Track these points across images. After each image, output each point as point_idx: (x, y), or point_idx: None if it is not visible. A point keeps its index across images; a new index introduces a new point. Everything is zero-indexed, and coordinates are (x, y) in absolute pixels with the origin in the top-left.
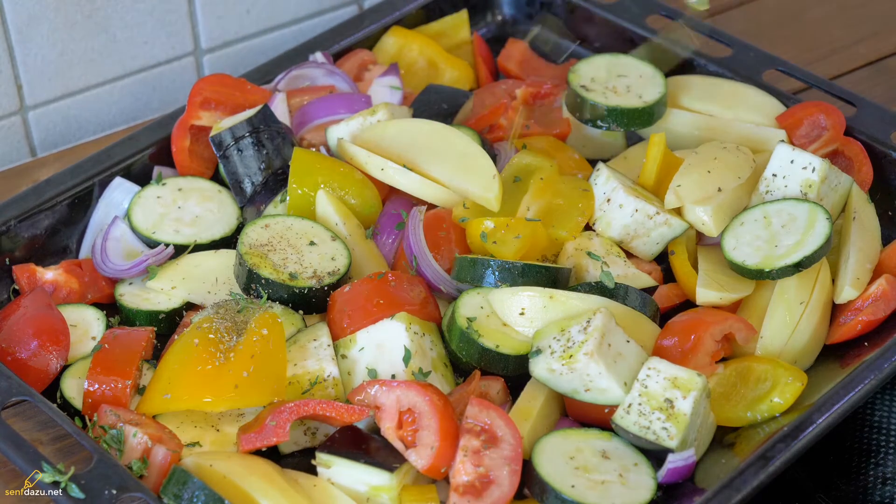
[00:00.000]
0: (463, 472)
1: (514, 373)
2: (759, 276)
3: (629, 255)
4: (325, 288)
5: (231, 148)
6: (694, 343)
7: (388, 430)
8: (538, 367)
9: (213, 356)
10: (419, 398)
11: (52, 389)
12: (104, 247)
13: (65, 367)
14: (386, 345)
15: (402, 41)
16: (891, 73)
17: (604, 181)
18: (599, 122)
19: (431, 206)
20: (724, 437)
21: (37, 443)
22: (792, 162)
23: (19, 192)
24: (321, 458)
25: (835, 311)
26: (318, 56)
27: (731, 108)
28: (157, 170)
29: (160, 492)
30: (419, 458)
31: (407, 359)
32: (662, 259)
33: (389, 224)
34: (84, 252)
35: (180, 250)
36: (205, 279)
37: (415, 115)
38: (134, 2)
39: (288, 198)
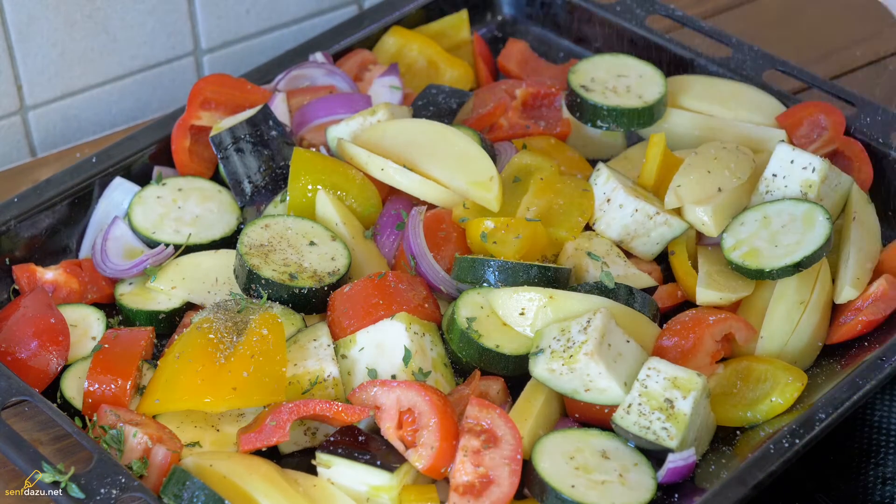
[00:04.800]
0: (463, 472)
1: (514, 373)
2: (759, 276)
3: (629, 255)
4: (325, 288)
5: (231, 148)
6: (694, 343)
7: (388, 430)
8: (538, 367)
9: (212, 356)
10: (419, 398)
11: (53, 389)
12: (104, 247)
13: (65, 367)
14: (386, 345)
15: (402, 41)
16: (891, 73)
17: (604, 181)
18: (599, 122)
19: (431, 206)
20: (724, 437)
21: (37, 443)
22: (792, 162)
23: (19, 192)
24: (321, 458)
25: (835, 311)
26: (318, 56)
27: (731, 108)
28: (157, 170)
29: (160, 492)
30: (419, 458)
31: (407, 359)
32: (662, 259)
33: (389, 224)
34: (84, 252)
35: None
36: (205, 279)
37: (415, 115)
38: (134, 2)
39: (288, 198)
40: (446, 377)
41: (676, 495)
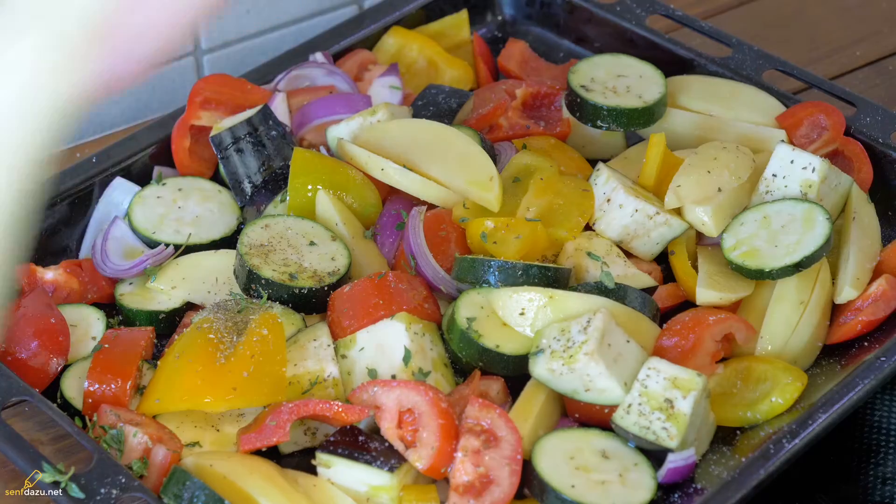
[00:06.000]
0: (463, 472)
1: (514, 373)
2: (759, 276)
3: (629, 255)
4: (326, 288)
5: (231, 148)
6: (694, 343)
7: (388, 430)
8: (538, 367)
9: (212, 356)
10: (419, 398)
11: (53, 389)
12: (104, 247)
13: (65, 367)
14: (386, 345)
15: (402, 41)
16: (891, 73)
17: (604, 181)
18: (599, 122)
19: (431, 206)
20: (724, 437)
21: (37, 443)
22: (792, 162)
23: None
24: (321, 458)
25: (835, 311)
26: (318, 56)
27: (731, 108)
28: (157, 170)
29: (160, 492)
30: (419, 458)
31: (407, 359)
32: (662, 259)
33: (389, 224)
34: (84, 252)
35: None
36: (205, 279)
37: (415, 115)
38: None
39: (288, 198)
40: (446, 377)
41: (676, 495)
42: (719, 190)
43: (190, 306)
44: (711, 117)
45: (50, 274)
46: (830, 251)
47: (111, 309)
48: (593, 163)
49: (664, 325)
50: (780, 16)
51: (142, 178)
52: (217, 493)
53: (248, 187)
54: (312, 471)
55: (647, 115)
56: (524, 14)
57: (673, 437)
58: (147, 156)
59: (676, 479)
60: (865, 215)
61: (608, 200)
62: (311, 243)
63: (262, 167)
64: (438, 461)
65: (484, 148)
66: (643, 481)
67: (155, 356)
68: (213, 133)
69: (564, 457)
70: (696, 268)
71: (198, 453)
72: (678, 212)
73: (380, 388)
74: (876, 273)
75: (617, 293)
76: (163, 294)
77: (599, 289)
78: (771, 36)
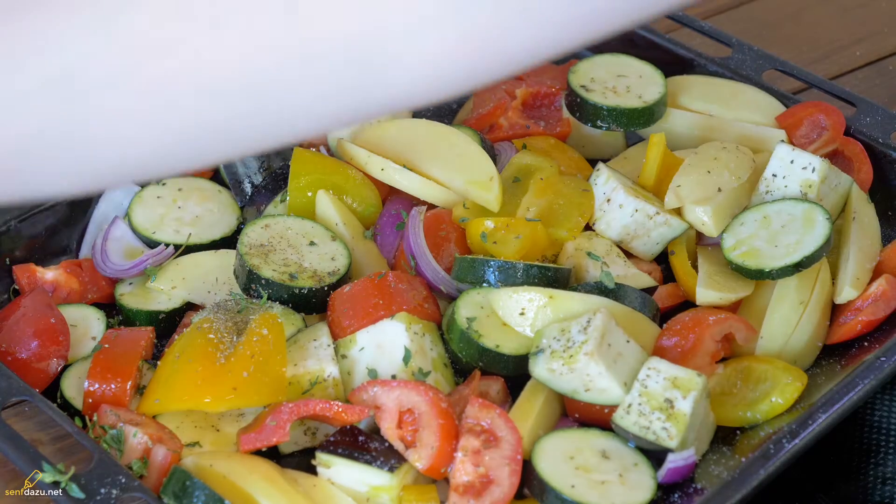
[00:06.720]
0: (463, 471)
1: (514, 373)
2: (759, 276)
3: (629, 255)
4: (326, 288)
5: None
6: (694, 343)
7: (388, 430)
8: (538, 367)
9: (212, 356)
10: (419, 398)
11: (53, 389)
12: (104, 247)
13: (65, 367)
14: (386, 345)
15: None
16: (891, 73)
17: (604, 181)
18: (599, 122)
19: (431, 206)
20: (724, 437)
21: (37, 443)
22: (792, 162)
23: None
24: (321, 458)
25: (835, 311)
26: None
27: (731, 108)
28: None
29: (160, 492)
30: (419, 458)
31: (407, 359)
32: (662, 259)
33: (389, 224)
34: (84, 252)
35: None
36: (205, 279)
37: (415, 115)
38: None
39: (288, 198)
40: (446, 377)
41: (676, 495)
42: (719, 190)
43: (190, 306)
44: (711, 117)
45: (50, 274)
46: (830, 251)
47: (111, 309)
48: (593, 163)
49: (664, 325)
50: (780, 16)
51: None
52: (217, 493)
53: (248, 187)
54: (312, 471)
55: (647, 115)
56: None
57: (673, 437)
58: None
59: (676, 479)
60: (865, 215)
61: (608, 200)
62: (311, 243)
63: (262, 167)
64: (438, 461)
65: (484, 148)
66: (643, 481)
67: (155, 356)
68: None
69: (564, 457)
70: (696, 268)
71: (198, 453)
72: (678, 212)
73: (380, 388)
74: (876, 273)
75: (617, 293)
76: (163, 294)
77: (599, 289)
78: (771, 36)
